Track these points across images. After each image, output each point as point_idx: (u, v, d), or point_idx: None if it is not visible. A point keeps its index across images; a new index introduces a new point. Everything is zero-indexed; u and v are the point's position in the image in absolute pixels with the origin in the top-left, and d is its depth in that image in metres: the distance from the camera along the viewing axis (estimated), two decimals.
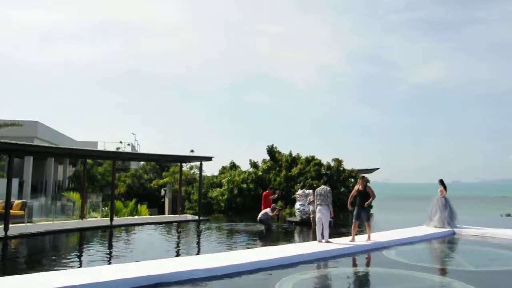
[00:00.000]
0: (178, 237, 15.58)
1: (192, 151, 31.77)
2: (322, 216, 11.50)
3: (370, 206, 12.33)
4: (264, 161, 28.73)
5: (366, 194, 11.72)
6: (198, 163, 23.18)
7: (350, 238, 11.77)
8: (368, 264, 9.89)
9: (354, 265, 9.83)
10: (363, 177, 12.20)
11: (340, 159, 26.85)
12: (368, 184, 12.21)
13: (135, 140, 46.97)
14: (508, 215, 31.12)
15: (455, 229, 14.44)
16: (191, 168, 32.09)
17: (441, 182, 15.26)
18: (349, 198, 12.05)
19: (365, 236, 12.02)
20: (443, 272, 9.17)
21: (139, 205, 25.31)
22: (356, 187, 11.99)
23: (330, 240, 11.58)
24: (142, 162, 41.94)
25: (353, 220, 11.78)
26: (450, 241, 13.31)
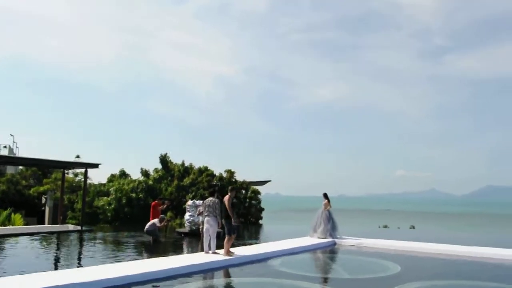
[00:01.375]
0: (56, 249, 14.43)
1: (78, 156, 29.83)
2: (209, 227, 11.44)
3: (228, 218, 11.21)
4: (156, 170, 28.00)
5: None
6: (83, 170, 21.81)
7: (233, 250, 11.72)
8: (253, 275, 9.98)
9: (239, 275, 9.86)
10: (233, 188, 11.80)
11: (232, 170, 27.14)
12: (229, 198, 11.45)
13: (14, 142, 42.59)
14: (385, 226, 33.97)
15: (336, 240, 15.28)
16: (76, 175, 30.10)
17: (325, 195, 16.08)
18: (229, 209, 11.29)
19: (250, 248, 12.12)
20: (322, 280, 9.60)
21: (12, 214, 23.02)
22: (228, 198, 11.38)
23: (217, 251, 11.53)
24: (20, 167, 38.35)
25: (229, 235, 11.20)
26: (331, 251, 14.03)
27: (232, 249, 11.54)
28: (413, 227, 34.13)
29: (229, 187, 11.98)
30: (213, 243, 11.49)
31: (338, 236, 15.62)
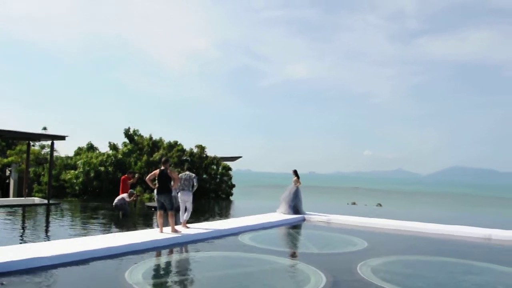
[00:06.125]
0: (23, 222, 14.12)
1: (44, 128, 28.98)
2: (186, 200, 11.57)
3: (170, 192, 10.58)
4: (125, 144, 27.56)
5: (167, 178, 10.58)
6: (49, 142, 21.24)
7: (201, 224, 11.80)
8: (223, 249, 10.05)
9: (209, 249, 9.91)
10: (167, 159, 11.01)
11: (203, 146, 27.04)
12: (171, 168, 11.02)
13: None
14: (353, 203, 34.74)
15: (305, 216, 15.52)
16: (42, 147, 29.32)
17: (295, 172, 16.24)
18: (148, 176, 10.82)
19: (220, 223, 12.16)
20: (291, 255, 9.75)
21: None
22: (157, 171, 10.76)
23: (188, 225, 11.58)
24: None
25: (157, 210, 10.77)
26: (300, 226, 14.25)
27: (188, 225, 11.59)
28: (380, 205, 34.99)
29: (163, 159, 10.98)
30: (187, 216, 11.58)
31: (306, 212, 15.86)
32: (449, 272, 8.08)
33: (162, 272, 7.71)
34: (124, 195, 15.46)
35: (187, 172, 11.85)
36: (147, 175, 11.05)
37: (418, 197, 73.83)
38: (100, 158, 25.70)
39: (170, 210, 10.54)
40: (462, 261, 8.99)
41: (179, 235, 10.35)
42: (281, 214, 15.57)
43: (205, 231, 11.15)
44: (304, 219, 15.28)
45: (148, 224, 14.39)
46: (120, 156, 26.23)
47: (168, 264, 8.43)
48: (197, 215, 15.11)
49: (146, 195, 23.05)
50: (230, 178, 28.17)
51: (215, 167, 27.41)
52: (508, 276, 8.01)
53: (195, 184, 11.69)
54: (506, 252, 10.77)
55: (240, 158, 33.44)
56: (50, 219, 15.00)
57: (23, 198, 20.28)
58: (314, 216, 15.49)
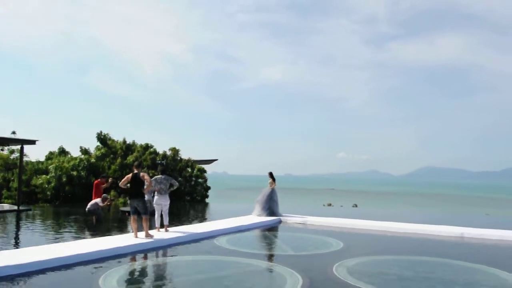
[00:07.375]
0: None
1: (13, 133, 28.24)
2: (163, 204, 11.44)
3: (143, 197, 10.36)
4: (97, 148, 27.10)
5: (141, 182, 10.28)
6: (19, 147, 20.67)
7: (183, 227, 11.72)
8: (199, 252, 9.95)
9: (185, 253, 9.79)
10: (140, 162, 10.87)
11: (177, 148, 26.85)
12: (143, 170, 10.93)
13: None
14: (329, 204, 35.05)
15: (281, 218, 15.53)
16: (11, 152, 28.52)
17: (270, 174, 16.27)
18: (121, 182, 10.52)
19: (196, 226, 12.05)
20: (267, 257, 9.73)
21: None
22: (130, 175, 10.41)
23: (169, 229, 11.49)
24: None
25: (131, 214, 10.49)
26: (276, 228, 14.24)
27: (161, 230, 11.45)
28: (356, 206, 35.41)
29: (136, 163, 10.70)
30: (166, 220, 11.42)
31: (282, 214, 15.90)
32: (424, 270, 8.19)
33: (137, 278, 7.56)
34: (98, 200, 15.16)
35: (162, 176, 11.62)
36: (121, 179, 10.84)
37: (392, 197, 75.08)
38: (72, 163, 25.17)
39: (144, 214, 10.34)
40: (436, 259, 9.13)
41: (154, 240, 10.19)
42: (257, 216, 15.55)
43: (180, 235, 11.03)
44: (280, 221, 15.30)
45: (122, 229, 14.13)
46: (93, 160, 25.75)
47: (143, 269, 8.28)
48: (172, 219, 14.94)
49: (120, 200, 22.69)
50: (205, 180, 28.02)
51: (189, 169, 27.23)
52: (478, 272, 8.17)
53: (173, 184, 11.55)
54: (477, 250, 11.01)
55: (216, 161, 33.33)
56: (20, 225, 14.58)
57: None
58: (290, 218, 15.53)
